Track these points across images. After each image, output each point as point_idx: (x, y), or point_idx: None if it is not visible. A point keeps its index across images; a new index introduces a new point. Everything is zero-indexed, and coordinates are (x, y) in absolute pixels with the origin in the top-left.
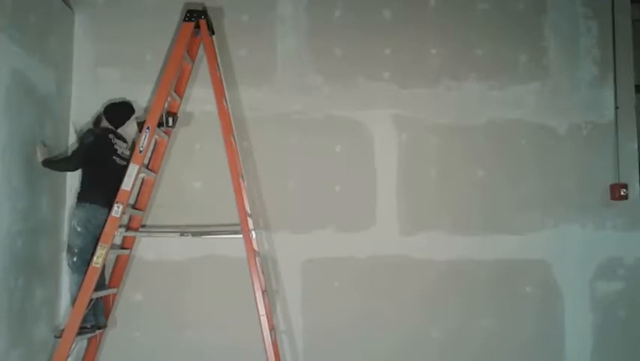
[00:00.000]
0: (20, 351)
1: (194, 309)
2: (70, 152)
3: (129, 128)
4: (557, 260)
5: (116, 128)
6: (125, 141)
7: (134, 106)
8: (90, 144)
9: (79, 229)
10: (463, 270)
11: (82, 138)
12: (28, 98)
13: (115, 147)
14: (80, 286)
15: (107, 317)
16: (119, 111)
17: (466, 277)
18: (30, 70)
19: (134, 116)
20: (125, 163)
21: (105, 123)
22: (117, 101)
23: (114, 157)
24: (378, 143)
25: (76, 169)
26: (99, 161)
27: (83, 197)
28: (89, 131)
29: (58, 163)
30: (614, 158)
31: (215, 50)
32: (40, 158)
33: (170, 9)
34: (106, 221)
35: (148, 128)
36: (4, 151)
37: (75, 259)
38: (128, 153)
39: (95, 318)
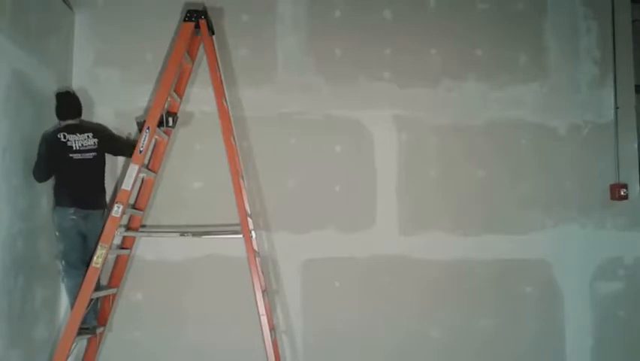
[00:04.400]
0: (20, 351)
1: (194, 309)
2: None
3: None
4: (557, 260)
5: (76, 117)
6: (85, 130)
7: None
8: (42, 154)
9: (57, 234)
10: (463, 270)
11: (39, 147)
12: (28, 98)
13: (68, 144)
14: (71, 290)
15: (104, 320)
16: (63, 105)
17: (466, 277)
18: (30, 70)
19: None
20: (89, 155)
21: (64, 122)
22: (55, 96)
23: (70, 155)
24: (378, 143)
25: (43, 180)
26: (57, 164)
27: (54, 201)
28: (42, 137)
29: (34, 174)
30: (614, 158)
31: (215, 50)
32: None
33: (170, 9)
34: (76, 221)
35: (148, 128)
36: (4, 151)
37: (63, 263)
38: (92, 141)
39: (95, 318)
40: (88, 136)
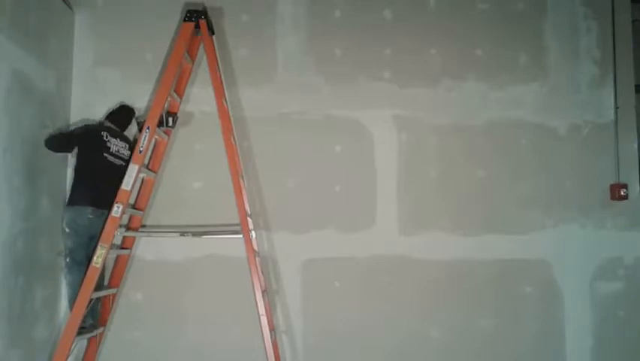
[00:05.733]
0: (20, 351)
1: (194, 309)
2: (53, 135)
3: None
4: (557, 260)
5: (121, 130)
6: (125, 140)
7: (134, 107)
8: (78, 135)
9: (67, 230)
10: (463, 270)
11: (76, 127)
12: (28, 98)
13: (107, 144)
14: (74, 286)
15: (104, 320)
16: (120, 115)
17: (466, 277)
18: (30, 70)
19: (134, 117)
20: (121, 163)
21: (109, 124)
22: (118, 106)
23: (105, 154)
24: (378, 143)
25: (53, 148)
26: (89, 159)
27: (70, 198)
28: (83, 125)
29: (49, 138)
30: (614, 158)
31: (215, 50)
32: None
33: (170, 9)
34: (92, 220)
35: (148, 128)
36: (4, 151)
37: (68, 260)
38: (126, 152)
39: (94, 318)
40: (125, 146)
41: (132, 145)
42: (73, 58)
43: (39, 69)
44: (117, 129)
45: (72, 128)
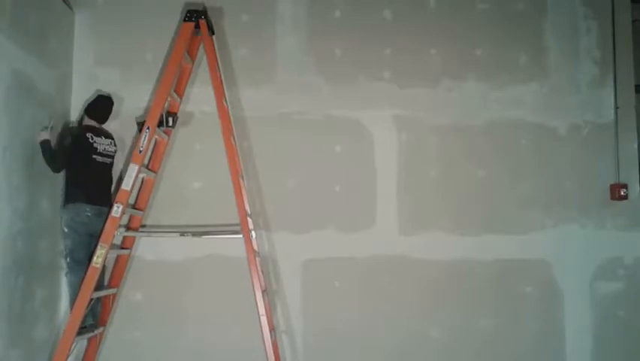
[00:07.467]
0: (20, 351)
1: (194, 309)
2: (52, 153)
3: (125, 130)
4: (557, 260)
5: (101, 123)
6: (108, 136)
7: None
8: (66, 146)
9: (66, 230)
10: (463, 270)
11: (61, 138)
12: (28, 98)
13: (94, 145)
14: (74, 286)
15: (104, 320)
16: (100, 107)
17: (466, 277)
18: (30, 70)
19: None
20: (108, 160)
21: (90, 122)
22: (95, 97)
23: (94, 155)
24: (378, 143)
25: (59, 171)
26: (79, 161)
27: (66, 198)
28: (68, 130)
29: (47, 157)
30: (614, 158)
31: (215, 50)
32: (40, 138)
33: (170, 9)
34: (90, 218)
35: (148, 128)
36: (4, 151)
37: (68, 259)
38: (112, 148)
39: (94, 318)
40: (110, 142)
41: (113, 138)
42: (73, 58)
43: (39, 69)
44: (99, 126)
45: (58, 140)
